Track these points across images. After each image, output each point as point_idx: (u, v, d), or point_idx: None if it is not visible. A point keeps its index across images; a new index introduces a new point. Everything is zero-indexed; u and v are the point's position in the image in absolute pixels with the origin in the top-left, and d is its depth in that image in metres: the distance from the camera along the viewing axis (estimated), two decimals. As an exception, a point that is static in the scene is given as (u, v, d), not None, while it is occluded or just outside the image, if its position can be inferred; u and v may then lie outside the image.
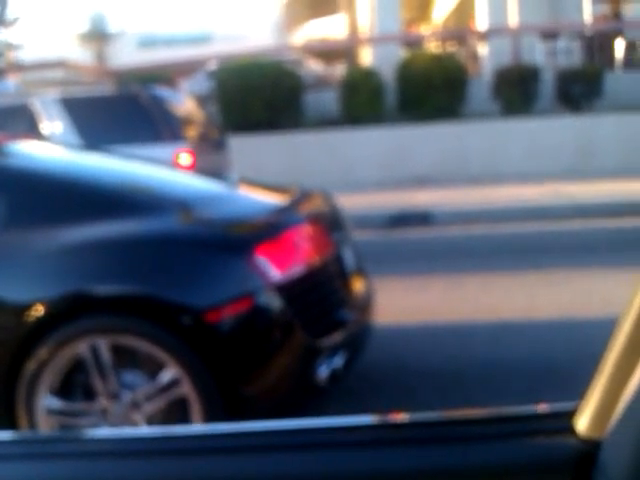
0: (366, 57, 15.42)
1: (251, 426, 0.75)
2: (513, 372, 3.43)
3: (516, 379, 3.32)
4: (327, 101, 12.37)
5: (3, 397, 2.53)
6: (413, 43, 15.30)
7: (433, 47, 15.12)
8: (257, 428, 0.74)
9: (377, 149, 11.35)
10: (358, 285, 3.30)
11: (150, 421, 2.50)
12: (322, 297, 2.86)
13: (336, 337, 2.78)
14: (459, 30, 18.32)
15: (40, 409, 2.52)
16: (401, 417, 0.74)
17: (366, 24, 16.08)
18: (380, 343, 3.41)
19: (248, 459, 0.70)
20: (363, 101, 11.69)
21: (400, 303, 4.57)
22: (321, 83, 13.42)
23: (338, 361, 2.75)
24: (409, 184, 10.52)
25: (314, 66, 14.65)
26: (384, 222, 8.09)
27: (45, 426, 2.52)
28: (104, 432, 1.05)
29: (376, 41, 14.47)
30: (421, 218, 8.12)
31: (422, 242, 7.24)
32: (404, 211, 8.36)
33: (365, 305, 3.27)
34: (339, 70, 14.68)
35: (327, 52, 16.56)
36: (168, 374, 2.46)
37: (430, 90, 11.49)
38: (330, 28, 22.76)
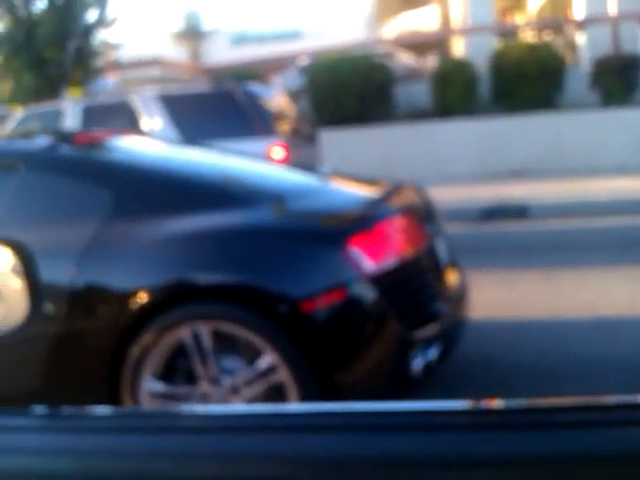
0: (458, 48, 15.16)
1: (346, 406, 0.77)
2: (612, 369, 3.31)
3: (615, 376, 3.21)
4: (419, 93, 12.26)
5: (109, 381, 2.66)
6: (507, 33, 14.93)
7: (528, 37, 14.69)
8: (353, 408, 0.76)
9: (470, 141, 11.16)
10: (452, 278, 3.28)
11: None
12: (416, 289, 2.86)
13: (430, 330, 2.78)
14: (555, 19, 17.72)
15: (144, 392, 2.64)
16: (498, 403, 0.74)
17: (458, 15, 15.80)
18: (474, 337, 3.38)
19: (342, 438, 0.71)
20: (456, 93, 11.52)
21: (494, 297, 4.50)
22: (413, 75, 13.30)
23: (432, 354, 2.75)
24: (503, 176, 10.30)
25: (405, 59, 14.53)
26: (477, 215, 7.96)
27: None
28: (207, 408, 1.10)
29: (469, 32, 14.20)
30: (516, 211, 7.93)
31: (517, 235, 7.07)
32: (498, 204, 8.19)
33: (459, 298, 3.24)
34: (431, 62, 14.51)
35: (419, 44, 16.40)
36: (266, 360, 2.52)
37: (525, 81, 11.20)
38: (421, 20, 22.51)
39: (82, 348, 2.68)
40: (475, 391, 3.14)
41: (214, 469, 0.70)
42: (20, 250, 1.13)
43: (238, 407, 1.87)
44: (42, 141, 3.47)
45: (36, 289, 1.11)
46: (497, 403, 0.73)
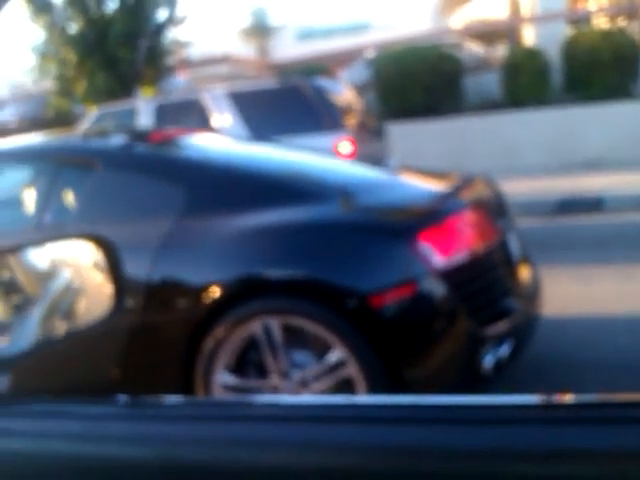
0: (529, 37, 14.81)
1: (418, 399, 0.77)
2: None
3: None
4: (489, 84, 12.04)
5: (184, 373, 2.72)
6: (580, 20, 14.49)
7: (601, 23, 14.22)
8: (423, 402, 0.76)
9: (542, 132, 10.89)
10: (524, 273, 3.21)
11: (318, 400, 2.59)
12: (487, 285, 2.82)
13: (502, 326, 2.73)
14: (631, 4, 17.08)
15: (216, 385, 2.69)
16: (570, 397, 0.73)
17: (528, 2, 15.43)
18: (547, 334, 3.30)
19: (412, 429, 0.72)
20: (527, 82, 11.27)
21: (569, 293, 4.39)
22: (482, 66, 13.08)
23: (504, 350, 2.71)
24: (578, 168, 10.02)
25: (474, 49, 14.30)
26: (551, 208, 7.77)
27: (220, 401, 2.69)
28: (282, 398, 1.13)
29: (540, 19, 13.85)
30: (591, 204, 7.70)
31: (592, 229, 6.87)
32: (573, 196, 7.97)
33: (532, 294, 3.18)
34: (501, 51, 14.23)
35: (488, 33, 16.10)
36: (335, 355, 2.53)
37: (599, 68, 10.85)
38: (489, 9, 22.08)
39: (158, 340, 2.75)
40: (546, 388, 3.07)
41: (290, 457, 0.71)
42: (104, 245, 1.17)
43: (312, 397, 1.89)
44: (118, 139, 3.58)
45: (118, 283, 1.15)
46: (569, 397, 0.72)
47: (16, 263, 1.16)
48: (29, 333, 1.12)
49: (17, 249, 1.18)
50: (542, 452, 0.65)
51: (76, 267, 1.26)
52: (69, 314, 1.22)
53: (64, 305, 1.21)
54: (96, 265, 1.20)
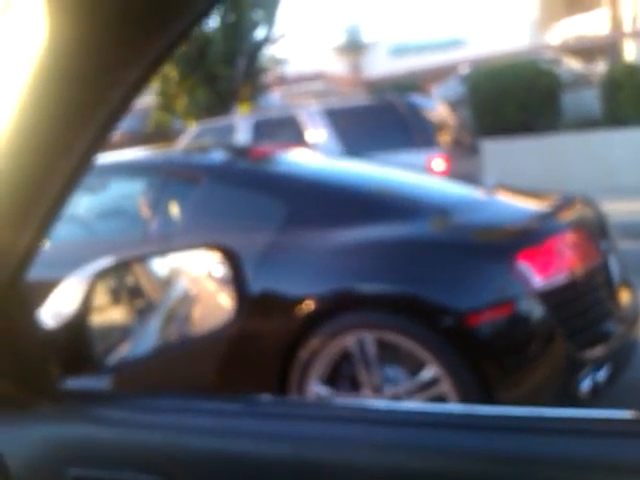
0: (630, 52, 14.30)
1: (511, 410, 0.81)
2: None
3: None
4: (588, 101, 11.70)
5: (279, 382, 2.80)
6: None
7: None
8: (514, 412, 0.80)
9: (643, 151, 10.49)
10: (625, 297, 3.13)
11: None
12: (587, 307, 2.76)
13: (601, 350, 2.67)
14: None
15: (310, 395, 2.75)
16: None
17: (630, 17, 14.91)
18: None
19: (509, 439, 0.75)
20: (627, 99, 10.89)
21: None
22: (581, 82, 12.73)
23: (601, 375, 2.64)
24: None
25: (573, 65, 13.94)
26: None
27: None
28: (386, 404, 1.17)
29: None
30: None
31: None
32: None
33: (632, 318, 3.08)
34: (600, 68, 13.80)
35: (587, 49, 15.66)
36: (429, 372, 2.54)
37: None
38: (589, 24, 21.46)
39: (255, 350, 2.84)
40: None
41: (409, 459, 0.76)
42: (229, 253, 1.25)
43: (407, 404, 1.92)
44: (220, 155, 3.73)
45: (241, 290, 1.22)
46: None
47: (141, 270, 1.24)
48: (149, 338, 1.20)
49: (140, 258, 1.26)
50: (633, 465, 0.68)
51: (194, 276, 1.34)
52: (185, 322, 1.30)
53: (181, 313, 1.29)
54: (214, 274, 1.27)
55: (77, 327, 0.93)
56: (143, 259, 1.26)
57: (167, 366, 2.78)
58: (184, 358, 2.71)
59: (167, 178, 3.40)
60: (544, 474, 0.71)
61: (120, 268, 1.21)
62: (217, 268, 1.25)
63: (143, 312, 1.24)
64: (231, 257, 1.23)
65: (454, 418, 0.81)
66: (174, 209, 3.31)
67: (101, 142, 0.72)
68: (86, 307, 0.96)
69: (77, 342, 0.93)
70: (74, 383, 0.95)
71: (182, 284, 1.32)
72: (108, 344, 1.11)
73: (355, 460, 0.77)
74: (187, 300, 1.31)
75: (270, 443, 0.81)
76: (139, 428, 0.89)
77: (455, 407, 1.77)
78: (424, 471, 0.74)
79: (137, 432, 0.88)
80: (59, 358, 0.91)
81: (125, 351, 1.15)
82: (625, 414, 0.75)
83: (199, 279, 1.35)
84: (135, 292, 1.25)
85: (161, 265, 1.28)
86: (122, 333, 1.18)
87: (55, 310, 0.96)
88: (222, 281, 1.24)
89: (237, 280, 1.21)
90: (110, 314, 1.20)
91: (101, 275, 1.04)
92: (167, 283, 1.30)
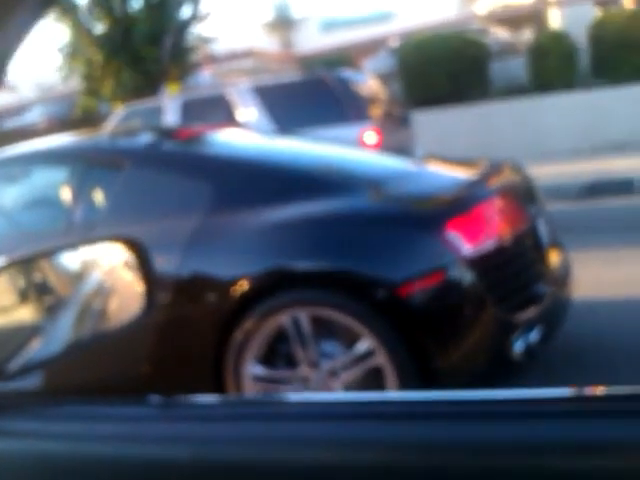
0: (555, 20, 14.58)
1: (443, 395, 0.77)
2: None
3: None
4: (515, 69, 11.91)
5: (214, 364, 2.75)
6: (607, 2, 14.23)
7: (629, 4, 13.95)
8: (450, 397, 0.76)
9: (570, 115, 10.74)
10: (554, 258, 3.19)
11: (347, 389, 2.61)
12: (517, 271, 2.81)
13: (532, 312, 2.72)
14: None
15: (246, 376, 2.72)
16: (600, 390, 0.73)
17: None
18: (577, 318, 3.27)
19: (440, 426, 0.72)
20: (553, 66, 11.12)
21: (600, 276, 4.34)
22: (508, 50, 12.92)
23: (534, 336, 2.69)
24: (606, 151, 9.86)
25: (500, 34, 14.13)
26: (580, 192, 7.67)
27: (251, 392, 2.72)
28: (310, 396, 1.14)
29: (566, 2, 13.64)
30: (621, 187, 7.59)
31: (622, 212, 6.77)
32: (601, 180, 7.86)
33: (562, 279, 3.15)
34: (527, 36, 14.04)
35: (513, 19, 15.90)
36: (364, 345, 2.54)
37: (627, 50, 10.67)
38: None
39: (188, 334, 2.79)
40: (578, 373, 3.05)
41: (319, 454, 0.72)
42: (134, 245, 1.19)
43: (338, 395, 1.91)
44: (144, 138, 3.62)
45: (149, 282, 1.17)
46: (599, 390, 0.72)
47: (49, 266, 1.18)
48: (61, 335, 1.14)
49: (49, 252, 1.20)
50: (573, 445, 0.66)
51: (107, 268, 1.28)
52: (101, 315, 1.24)
53: (96, 306, 1.23)
54: (127, 265, 1.22)
55: None
56: (49, 254, 1.20)
57: (91, 361, 2.70)
58: (109, 351, 2.64)
59: (90, 164, 3.28)
60: (472, 461, 0.68)
61: (24, 265, 1.14)
62: (127, 260, 1.20)
63: (53, 309, 1.18)
64: (136, 248, 1.18)
65: (389, 406, 0.78)
66: (98, 196, 3.20)
67: None
68: None
69: None
70: None
71: (95, 277, 1.26)
72: (13, 347, 1.05)
73: (257, 460, 0.74)
74: (101, 293, 1.26)
75: (177, 446, 0.77)
76: (45, 439, 0.84)
77: (390, 395, 1.76)
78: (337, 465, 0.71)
79: (43, 443, 0.83)
80: None
81: (33, 352, 1.09)
82: (564, 392, 0.72)
83: (113, 271, 1.29)
84: (43, 289, 1.19)
85: (70, 259, 1.22)
86: (30, 333, 1.12)
87: None
88: (133, 272, 1.19)
89: (144, 271, 1.16)
90: (15, 314, 1.13)
91: None
92: (78, 277, 1.24)
